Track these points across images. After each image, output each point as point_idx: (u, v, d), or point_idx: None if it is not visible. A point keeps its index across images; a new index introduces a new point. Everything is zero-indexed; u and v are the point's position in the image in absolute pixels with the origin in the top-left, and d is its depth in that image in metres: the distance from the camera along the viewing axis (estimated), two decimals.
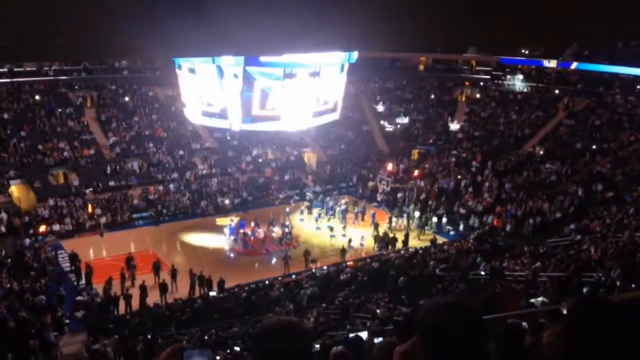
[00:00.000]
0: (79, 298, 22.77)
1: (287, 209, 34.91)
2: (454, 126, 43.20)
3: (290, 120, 17.79)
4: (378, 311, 18.56)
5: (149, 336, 18.41)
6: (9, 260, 25.14)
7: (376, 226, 31.81)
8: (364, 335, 9.77)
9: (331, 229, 31.47)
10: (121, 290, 23.23)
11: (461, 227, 32.07)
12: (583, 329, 1.83)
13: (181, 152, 38.87)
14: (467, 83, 48.05)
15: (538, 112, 41.91)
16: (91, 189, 33.80)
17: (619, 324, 1.84)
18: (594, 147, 35.67)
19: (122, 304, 22.66)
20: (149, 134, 39.50)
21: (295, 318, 2.22)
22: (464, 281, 21.07)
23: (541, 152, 37.43)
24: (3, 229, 28.57)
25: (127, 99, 41.28)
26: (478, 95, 46.60)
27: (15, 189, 32.53)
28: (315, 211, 34.52)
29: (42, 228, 29.96)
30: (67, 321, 20.74)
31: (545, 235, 27.76)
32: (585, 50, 39.53)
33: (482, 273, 22.09)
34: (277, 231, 30.67)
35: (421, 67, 51.11)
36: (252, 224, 30.94)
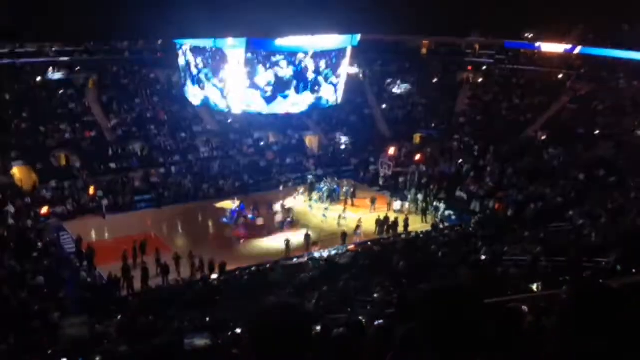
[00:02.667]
0: (81, 279, 22.92)
1: (288, 192, 34.91)
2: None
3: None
4: (376, 295, 18.63)
5: (150, 317, 18.52)
6: (11, 241, 25.22)
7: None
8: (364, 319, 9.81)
9: (333, 213, 31.53)
10: (122, 272, 23.29)
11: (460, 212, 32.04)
12: (581, 314, 1.83)
13: (183, 135, 38.81)
14: (469, 67, 47.78)
15: (541, 97, 41.71)
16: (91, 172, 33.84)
17: (618, 309, 1.84)
18: (596, 132, 35.56)
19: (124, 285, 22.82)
20: (151, 116, 39.42)
21: (295, 299, 2.23)
22: (464, 265, 21.12)
23: (543, 137, 37.32)
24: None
25: (128, 81, 41.14)
26: (480, 80, 46.35)
27: (17, 171, 32.59)
28: (316, 194, 34.56)
29: (44, 210, 30.03)
30: (70, 303, 20.86)
31: (547, 220, 27.76)
32: (590, 34, 39.19)
33: (483, 257, 22.14)
34: (278, 214, 30.70)
35: (424, 51, 50.80)
36: (252, 208, 30.95)
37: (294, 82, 19.24)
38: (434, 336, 1.90)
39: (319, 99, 20.25)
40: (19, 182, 31.78)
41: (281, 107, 19.79)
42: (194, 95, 21.26)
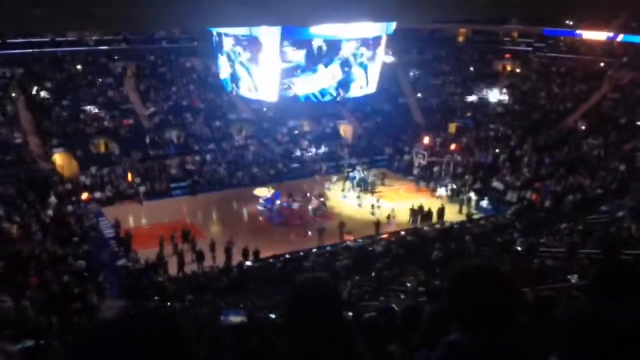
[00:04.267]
0: (119, 263, 23.45)
1: (322, 181, 34.98)
2: (493, 98, 42.43)
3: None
4: (408, 284, 18.60)
5: (186, 302, 18.86)
6: (53, 226, 25.92)
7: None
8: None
9: (368, 202, 31.55)
10: (158, 257, 23.69)
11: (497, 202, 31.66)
12: (607, 284, 1.85)
13: (217, 123, 39.20)
14: (507, 55, 46.95)
15: (581, 86, 40.76)
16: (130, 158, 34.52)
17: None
18: (638, 123, 34.61)
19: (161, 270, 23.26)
20: (187, 104, 39.91)
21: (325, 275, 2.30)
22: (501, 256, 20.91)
23: (583, 127, 36.51)
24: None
25: (165, 69, 41.72)
26: (518, 70, 45.47)
27: (58, 157, 33.47)
28: (349, 184, 34.59)
29: (84, 195, 30.79)
30: (108, 286, 21.38)
31: (585, 211, 27.21)
32: (632, 22, 38.06)
33: (519, 249, 21.86)
34: (312, 203, 30.81)
35: (460, 39, 50.11)
36: (287, 196, 31.12)
37: (324, 57, 19.21)
38: (460, 313, 1.92)
39: (348, 74, 20.16)
40: (59, 169, 32.62)
41: (310, 85, 19.71)
42: (231, 83, 21.41)
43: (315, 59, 19.00)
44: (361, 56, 20.58)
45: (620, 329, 1.37)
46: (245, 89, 20.44)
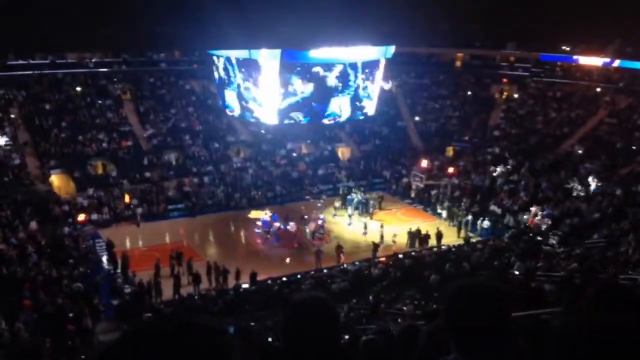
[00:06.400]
0: (116, 285, 23.29)
1: (320, 204, 34.96)
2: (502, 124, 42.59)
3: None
4: (405, 308, 18.51)
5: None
6: (49, 248, 25.81)
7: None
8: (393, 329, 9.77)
9: (365, 225, 31.49)
10: (154, 279, 23.51)
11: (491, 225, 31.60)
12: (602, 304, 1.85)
13: (216, 145, 39.28)
14: (504, 80, 47.33)
15: (578, 111, 41.05)
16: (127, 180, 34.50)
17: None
18: (632, 147, 34.81)
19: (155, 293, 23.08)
20: (186, 126, 40.03)
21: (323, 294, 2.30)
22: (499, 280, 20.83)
23: (580, 152, 36.67)
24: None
25: (164, 91, 41.92)
26: (516, 95, 45.76)
27: (56, 178, 33.43)
28: (350, 207, 34.53)
29: (81, 217, 30.70)
30: (103, 308, 21.22)
31: (583, 236, 27.22)
32: (627, 47, 38.50)
33: (517, 273, 21.81)
34: (309, 226, 30.72)
35: (458, 63, 50.55)
36: (285, 218, 31.05)
37: (337, 88, 19.48)
38: (458, 332, 1.92)
39: (359, 106, 20.43)
40: (57, 190, 32.57)
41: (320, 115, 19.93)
42: (232, 105, 21.55)
43: (324, 94, 19.25)
44: (364, 85, 20.84)
45: (612, 336, 1.35)
46: (245, 112, 20.58)
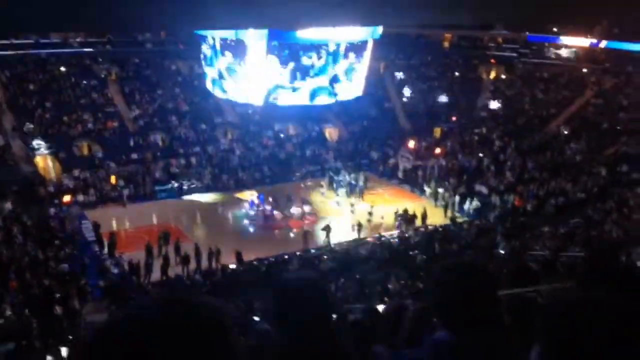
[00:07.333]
0: (102, 267, 23.23)
1: (308, 184, 34.95)
2: (493, 105, 42.66)
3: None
4: (390, 286, 18.67)
5: None
6: (34, 229, 25.64)
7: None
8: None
9: (351, 204, 31.57)
10: (145, 261, 23.47)
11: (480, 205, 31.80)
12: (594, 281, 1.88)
13: (203, 126, 39.05)
14: (492, 61, 47.33)
15: (565, 92, 41.22)
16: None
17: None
18: (618, 127, 35.08)
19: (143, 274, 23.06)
20: (172, 107, 39.71)
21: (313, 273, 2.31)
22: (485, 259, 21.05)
23: (566, 132, 36.91)
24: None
25: (150, 72, 41.49)
26: (503, 76, 45.80)
27: (41, 159, 33.10)
28: (336, 187, 34.59)
29: (67, 198, 30.48)
30: (90, 289, 21.18)
31: (568, 215, 27.50)
32: (615, 28, 38.57)
33: (502, 252, 22.04)
34: (296, 207, 30.76)
35: (446, 44, 50.43)
36: (271, 199, 31.04)
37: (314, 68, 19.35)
38: (445, 311, 1.94)
39: (335, 79, 20.28)
40: (42, 171, 32.28)
41: (297, 96, 19.80)
42: (216, 86, 21.39)
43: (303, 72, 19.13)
44: (350, 66, 20.72)
45: (598, 312, 1.34)
46: (231, 92, 20.45)
